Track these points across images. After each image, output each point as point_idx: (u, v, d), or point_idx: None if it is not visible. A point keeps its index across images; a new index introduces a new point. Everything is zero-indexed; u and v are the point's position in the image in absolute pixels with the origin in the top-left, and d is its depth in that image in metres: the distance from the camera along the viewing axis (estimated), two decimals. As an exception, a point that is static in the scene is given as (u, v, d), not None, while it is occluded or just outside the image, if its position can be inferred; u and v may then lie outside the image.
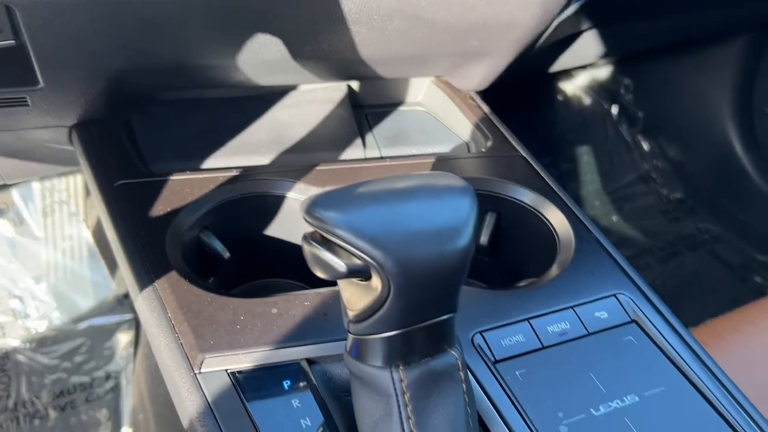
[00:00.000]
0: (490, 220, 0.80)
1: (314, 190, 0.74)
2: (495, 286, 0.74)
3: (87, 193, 1.40)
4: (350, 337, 0.47)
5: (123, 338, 1.36)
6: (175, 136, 0.85)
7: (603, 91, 1.84)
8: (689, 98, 1.70)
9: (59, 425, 1.27)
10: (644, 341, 0.63)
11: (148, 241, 0.67)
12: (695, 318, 0.95)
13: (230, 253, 0.73)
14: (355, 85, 0.96)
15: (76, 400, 1.30)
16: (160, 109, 0.86)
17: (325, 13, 0.74)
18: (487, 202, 0.80)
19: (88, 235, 1.40)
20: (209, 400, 0.54)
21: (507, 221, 0.80)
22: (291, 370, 0.57)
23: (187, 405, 0.55)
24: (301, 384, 0.56)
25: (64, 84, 0.73)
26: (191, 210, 0.72)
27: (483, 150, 0.88)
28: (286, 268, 0.79)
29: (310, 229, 0.45)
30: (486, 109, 0.94)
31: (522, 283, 0.73)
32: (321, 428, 0.53)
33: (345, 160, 0.85)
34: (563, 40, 1.09)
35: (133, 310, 1.38)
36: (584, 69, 1.79)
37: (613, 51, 1.39)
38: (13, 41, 0.65)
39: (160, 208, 0.71)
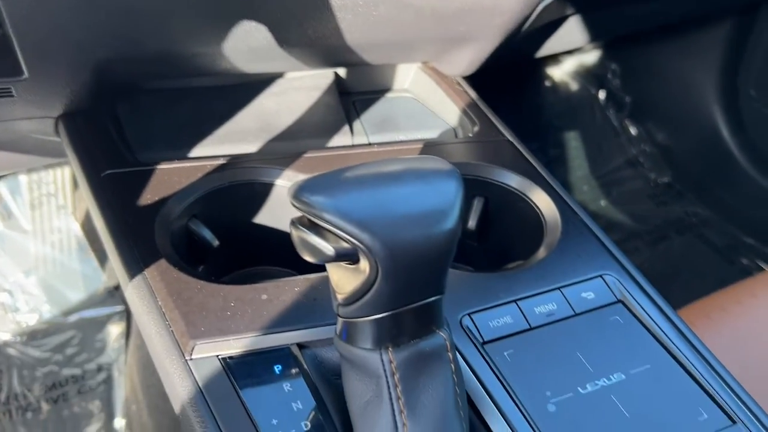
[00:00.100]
0: (477, 204, 0.81)
1: (302, 177, 0.74)
2: (483, 270, 0.74)
3: (75, 185, 1.39)
4: (340, 320, 0.48)
5: (114, 330, 1.36)
6: (162, 125, 0.84)
7: (590, 76, 1.84)
8: (676, 82, 1.71)
9: (52, 417, 1.27)
10: (630, 321, 0.64)
11: (137, 231, 0.67)
12: (684, 300, 0.96)
13: (219, 241, 0.74)
14: (342, 72, 0.96)
15: (69, 393, 1.30)
16: (146, 99, 0.86)
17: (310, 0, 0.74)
18: (474, 186, 0.80)
19: (76, 228, 1.40)
20: (201, 385, 0.54)
21: (494, 205, 0.81)
22: (282, 355, 0.57)
23: (179, 391, 0.55)
24: (292, 368, 0.56)
25: (49, 74, 0.72)
26: (179, 199, 0.72)
27: (470, 135, 0.88)
28: (276, 255, 0.80)
29: (298, 214, 0.45)
30: (473, 94, 0.95)
31: (510, 266, 0.74)
32: (313, 412, 0.54)
33: (333, 147, 0.86)
34: (549, 25, 1.09)
35: (123, 301, 1.38)
36: (571, 54, 1.80)
37: (598, 35, 1.39)
38: (-4, 31, 0.65)
39: (149, 197, 0.71)
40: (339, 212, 0.42)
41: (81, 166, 0.74)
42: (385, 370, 0.46)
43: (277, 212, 0.78)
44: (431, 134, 0.92)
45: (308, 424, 0.53)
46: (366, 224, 0.42)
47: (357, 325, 0.46)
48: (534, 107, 1.83)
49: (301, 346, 0.58)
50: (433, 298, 0.47)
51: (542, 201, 0.76)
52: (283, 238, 0.79)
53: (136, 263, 0.64)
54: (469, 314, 0.62)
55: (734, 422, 0.58)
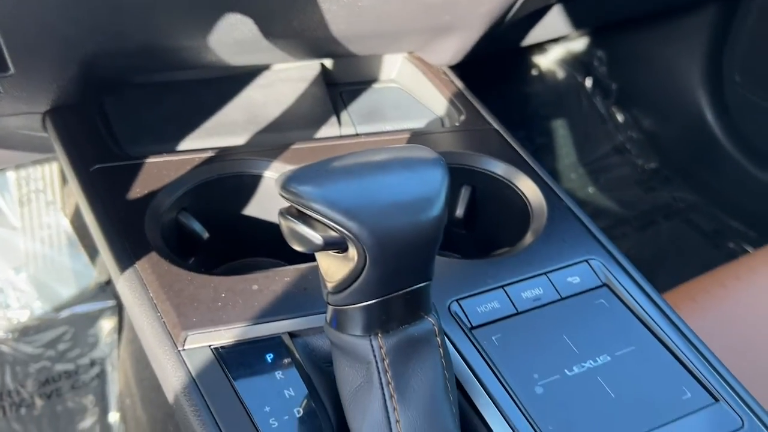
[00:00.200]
0: (465, 193, 0.82)
1: (290, 169, 0.75)
2: (471, 257, 0.75)
3: (63, 181, 1.39)
4: (330, 308, 0.48)
5: (106, 325, 1.36)
6: (150, 118, 0.85)
7: (576, 64, 1.85)
8: (661, 69, 1.72)
9: (46, 413, 1.27)
10: (615, 304, 0.65)
11: (127, 224, 0.67)
12: (672, 284, 0.97)
13: (209, 234, 0.74)
14: (328, 63, 0.96)
15: (62, 388, 1.31)
16: (133, 93, 0.86)
17: (295, -9, 0.74)
18: (461, 175, 0.81)
19: (66, 224, 1.40)
20: (194, 375, 0.55)
21: (481, 194, 0.82)
22: (273, 344, 0.58)
23: (173, 381, 0.56)
24: (284, 356, 0.57)
25: (35, 70, 0.72)
26: (169, 192, 0.72)
27: (456, 124, 0.89)
28: (265, 246, 0.80)
29: (286, 204, 0.46)
30: (459, 83, 0.95)
31: (497, 253, 0.75)
32: (305, 399, 0.55)
33: (320, 138, 0.86)
34: (534, 14, 1.10)
35: (115, 296, 1.38)
36: (557, 42, 1.80)
37: (583, 23, 1.40)
38: (-20, 28, 0.64)
39: (138, 190, 0.71)
40: (327, 201, 0.43)
41: (69, 161, 0.74)
42: (375, 356, 0.47)
43: (265, 204, 0.79)
44: (418, 124, 0.93)
45: (300, 410, 0.54)
46: (353, 213, 0.43)
47: (347, 313, 0.47)
48: (521, 96, 1.83)
49: (292, 334, 0.59)
50: (421, 285, 0.47)
51: (528, 188, 0.77)
52: (273, 229, 0.79)
53: (127, 256, 0.64)
54: (457, 300, 0.63)
55: (717, 400, 0.59)
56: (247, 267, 0.81)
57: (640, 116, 1.81)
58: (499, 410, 0.55)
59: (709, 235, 1.70)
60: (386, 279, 0.45)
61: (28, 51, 0.70)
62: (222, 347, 0.57)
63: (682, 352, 0.62)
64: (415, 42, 0.94)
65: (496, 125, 0.88)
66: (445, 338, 0.52)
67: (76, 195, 0.74)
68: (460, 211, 0.82)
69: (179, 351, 0.57)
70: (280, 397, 0.54)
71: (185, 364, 0.56)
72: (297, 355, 0.58)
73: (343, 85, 0.98)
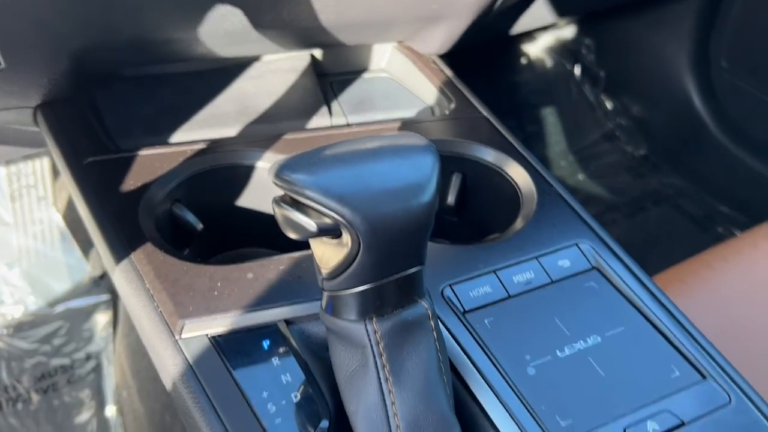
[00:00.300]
0: (456, 180, 0.83)
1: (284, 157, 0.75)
2: (463, 243, 0.76)
3: (54, 175, 1.39)
4: (325, 294, 0.49)
5: (101, 319, 1.37)
6: (141, 111, 0.85)
7: (565, 52, 1.86)
8: (649, 56, 1.73)
9: (43, 407, 1.28)
10: (605, 286, 0.66)
11: (121, 216, 0.68)
12: (661, 268, 0.98)
13: (203, 225, 0.75)
14: (318, 53, 0.97)
15: (58, 382, 1.31)
16: (124, 86, 0.86)
17: (284, -18, 0.74)
18: (452, 163, 0.82)
19: (58, 218, 1.40)
20: (191, 363, 0.56)
21: (472, 181, 0.83)
22: (269, 331, 0.59)
23: (171, 370, 0.57)
24: (280, 343, 0.58)
25: (26, 65, 0.72)
26: (162, 184, 0.73)
27: (446, 113, 0.90)
28: (259, 236, 0.81)
29: (280, 193, 0.46)
30: (448, 72, 0.96)
31: (489, 238, 0.75)
32: (302, 384, 0.56)
33: (312, 129, 0.87)
34: (522, 2, 1.11)
35: (109, 290, 1.38)
36: (545, 31, 1.81)
37: (571, 11, 1.41)
38: (-30, 23, 0.65)
39: (131, 183, 0.72)
40: (320, 189, 0.43)
41: (62, 155, 0.75)
42: (370, 340, 0.48)
43: (258, 194, 0.79)
44: (408, 113, 0.94)
45: (298, 395, 0.55)
46: (347, 199, 0.43)
47: (342, 298, 0.48)
48: (510, 85, 1.84)
49: (287, 321, 0.60)
50: (414, 269, 0.48)
51: (518, 174, 0.78)
52: (266, 219, 0.80)
53: (122, 248, 0.65)
54: (450, 285, 0.64)
55: (704, 377, 0.61)
56: (241, 257, 0.81)
57: (629, 103, 1.82)
58: (492, 391, 0.56)
59: (698, 220, 1.72)
60: (380, 264, 0.46)
61: (19, 45, 0.70)
62: (219, 335, 0.58)
63: (671, 332, 0.63)
64: (404, 31, 0.95)
65: (485, 113, 0.89)
66: (439, 322, 0.53)
67: (69, 188, 0.74)
68: (451, 199, 0.83)
69: (176, 339, 0.57)
70: (277, 382, 0.55)
71: (183, 352, 0.57)
72: (293, 342, 0.58)
73: (333, 75, 0.98)
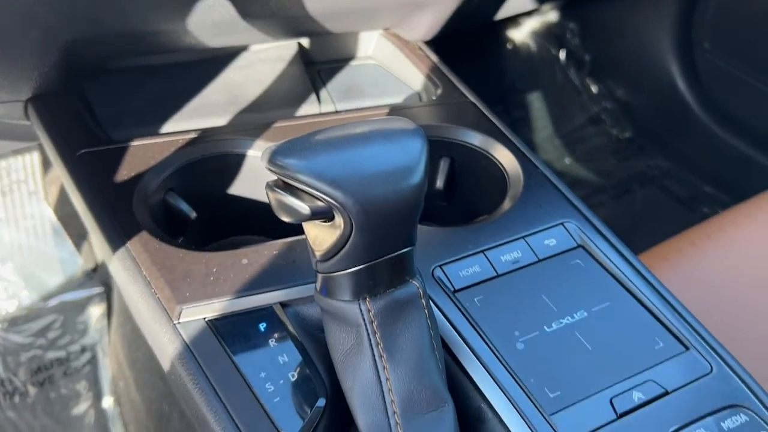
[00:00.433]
0: (444, 165, 0.84)
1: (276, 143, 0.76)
2: (452, 226, 0.78)
3: (45, 170, 1.39)
4: (319, 276, 0.51)
5: (95, 311, 1.38)
6: (132, 102, 0.86)
7: (549, 37, 1.87)
8: (632, 39, 1.74)
9: (40, 400, 1.29)
10: (590, 263, 0.68)
11: (116, 206, 0.69)
12: (648, 248, 1.00)
13: (196, 213, 0.76)
14: (305, 42, 0.98)
15: (54, 375, 1.32)
16: (114, 78, 0.87)
17: (270, -28, 0.75)
18: (440, 147, 0.83)
19: (49, 213, 1.40)
20: (190, 346, 0.57)
21: (460, 164, 0.84)
22: (265, 314, 0.60)
23: (170, 353, 0.58)
24: (276, 325, 0.59)
25: (16, 58, 0.73)
26: (155, 173, 0.74)
27: (434, 98, 0.91)
28: (252, 224, 0.82)
29: (272, 179, 0.47)
30: (434, 58, 0.97)
31: (477, 220, 0.77)
32: (298, 363, 0.57)
33: (301, 116, 0.88)
34: (506, -13, 1.12)
35: (102, 283, 1.39)
36: (530, 16, 1.82)
37: (555, -5, 1.42)
38: (-40, 17, 0.65)
39: (125, 173, 0.73)
40: (312, 173, 0.45)
41: (55, 147, 0.75)
42: (364, 319, 0.49)
43: (250, 182, 0.80)
44: (396, 99, 0.95)
45: (295, 374, 0.56)
46: (338, 183, 0.45)
47: (335, 279, 0.49)
48: (496, 71, 1.85)
49: (283, 304, 0.61)
50: (404, 250, 0.49)
51: (504, 157, 0.80)
52: (258, 206, 0.81)
53: (118, 237, 0.66)
54: (440, 266, 0.65)
55: (687, 348, 0.63)
56: (234, 245, 0.83)
57: (614, 87, 1.83)
58: (483, 366, 0.58)
59: (684, 200, 1.74)
60: (372, 245, 0.47)
61: (9, 39, 0.70)
62: (216, 319, 0.59)
63: (654, 305, 0.65)
64: (390, 18, 0.96)
65: (472, 98, 0.90)
66: (430, 300, 0.54)
67: (63, 180, 0.75)
68: (440, 183, 0.84)
69: (175, 324, 0.59)
70: (274, 363, 0.57)
71: (181, 336, 0.58)
72: (288, 324, 0.60)
73: (320, 63, 0.99)
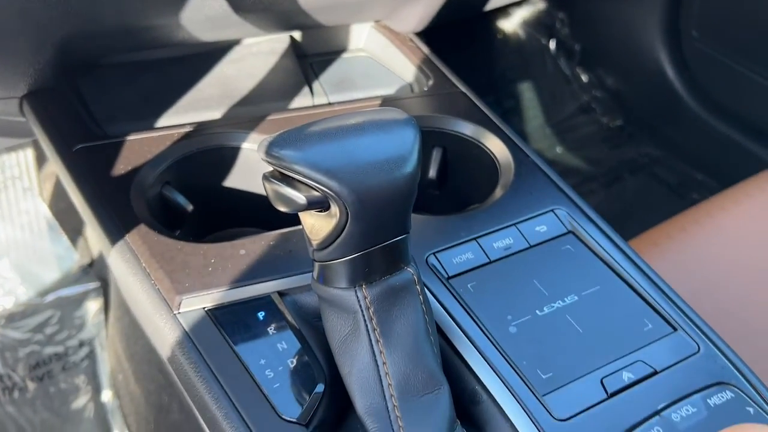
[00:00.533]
0: (436, 155, 0.85)
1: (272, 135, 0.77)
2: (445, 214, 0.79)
3: (39, 166, 1.39)
4: (316, 264, 0.52)
5: (92, 306, 1.38)
6: (126, 98, 0.86)
7: (539, 27, 1.88)
8: (621, 27, 1.75)
9: (39, 395, 1.30)
10: (580, 249, 0.70)
11: (113, 200, 0.70)
12: (639, 235, 1.02)
13: (193, 206, 0.77)
14: (297, 35, 0.98)
15: (53, 370, 1.33)
16: (107, 73, 0.88)
17: (262, -34, 0.76)
18: (432, 137, 0.84)
19: (44, 209, 1.41)
20: (191, 335, 0.58)
21: (452, 154, 0.85)
22: (264, 303, 0.61)
23: (171, 343, 0.59)
24: (275, 313, 0.61)
25: (12, 55, 0.74)
26: (151, 167, 0.75)
27: (425, 89, 0.92)
28: (248, 216, 0.83)
29: (268, 170, 0.49)
30: (425, 49, 0.98)
31: (469, 208, 0.78)
32: (297, 350, 0.59)
33: (295, 109, 0.89)
34: (494, -22, 1.13)
35: (99, 278, 1.40)
36: (519, 6, 1.83)
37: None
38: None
39: (121, 167, 0.74)
40: (308, 163, 0.46)
41: (52, 143, 0.76)
42: (360, 306, 0.51)
43: (245, 174, 0.81)
44: (388, 90, 0.96)
45: (294, 361, 0.58)
46: (334, 172, 0.46)
47: (332, 267, 0.50)
48: (487, 61, 1.86)
49: (281, 293, 0.63)
50: (399, 238, 0.51)
51: (495, 146, 0.81)
52: (254, 198, 0.83)
53: (117, 230, 0.67)
54: (434, 253, 0.67)
55: (675, 329, 0.64)
56: (230, 237, 0.84)
57: (604, 75, 1.84)
58: (477, 349, 0.59)
59: (674, 187, 1.76)
60: (367, 233, 0.48)
61: (4, 37, 0.71)
62: (215, 308, 0.60)
63: (643, 288, 0.67)
64: (381, 11, 0.97)
65: (463, 88, 0.91)
66: (424, 287, 0.56)
67: (60, 176, 0.76)
68: (432, 172, 0.85)
69: (175, 314, 0.60)
70: (273, 350, 0.58)
71: (182, 325, 0.59)
72: (287, 312, 0.61)
73: (312, 56, 1.00)
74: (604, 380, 0.59)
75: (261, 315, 0.60)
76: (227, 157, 0.80)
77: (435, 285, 0.64)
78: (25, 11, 0.69)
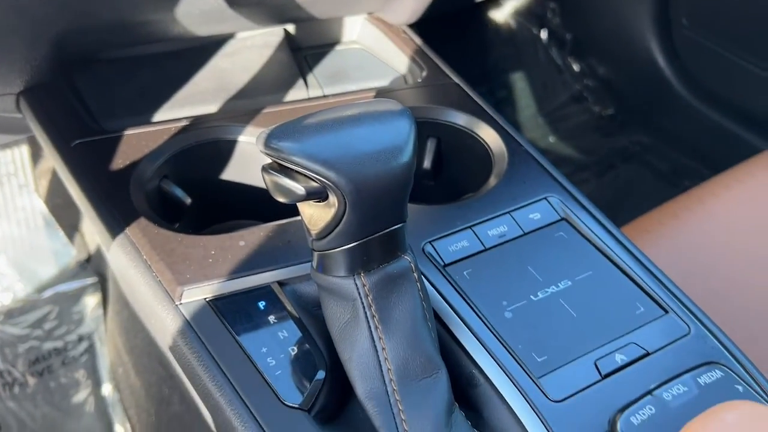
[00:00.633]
0: (431, 145, 0.86)
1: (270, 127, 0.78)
2: (441, 204, 0.80)
3: (34, 162, 1.40)
4: (315, 254, 0.53)
5: (90, 301, 1.39)
6: (122, 93, 0.87)
7: (531, 17, 1.89)
8: (612, 16, 1.76)
9: (39, 390, 1.31)
10: (573, 235, 0.71)
11: (113, 195, 0.71)
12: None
13: (191, 199, 0.78)
14: (291, 28, 0.99)
15: (53, 365, 1.34)
16: (103, 68, 0.88)
17: (255, -40, 0.76)
18: (426, 128, 0.85)
19: (41, 205, 1.41)
20: (193, 325, 0.59)
21: (446, 144, 0.87)
22: (264, 292, 0.62)
23: (173, 333, 0.60)
24: (275, 303, 0.62)
25: (8, 51, 0.74)
26: (149, 161, 0.75)
27: (419, 80, 0.93)
28: (246, 208, 0.84)
29: (267, 160, 0.50)
30: (418, 41, 0.99)
31: (464, 198, 0.80)
32: (298, 338, 0.60)
33: (290, 101, 0.89)
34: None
35: (96, 272, 1.40)
36: (510, -5, 1.84)
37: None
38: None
39: (120, 162, 0.74)
40: (306, 154, 0.47)
41: (49, 139, 0.77)
42: (359, 293, 0.52)
43: (242, 167, 0.82)
44: (382, 82, 0.97)
45: (295, 349, 0.59)
46: (332, 163, 0.47)
47: (331, 256, 0.51)
48: (479, 52, 1.86)
49: (281, 283, 0.64)
50: (396, 226, 0.52)
51: (489, 136, 0.82)
52: (251, 191, 0.83)
53: (117, 224, 0.68)
54: (430, 242, 0.68)
55: (666, 312, 0.66)
56: (229, 229, 0.85)
57: (595, 65, 1.85)
58: (473, 334, 0.61)
59: (666, 174, 1.77)
60: (365, 222, 0.50)
61: (0, 33, 0.71)
62: (216, 298, 0.61)
63: (635, 272, 0.68)
64: (373, 3, 0.97)
65: (456, 79, 0.92)
66: (421, 274, 0.57)
67: (59, 171, 0.76)
68: (427, 163, 0.86)
69: (177, 305, 0.61)
70: (275, 338, 0.59)
71: (184, 316, 0.60)
72: (287, 301, 0.62)
73: (306, 49, 1.01)
74: (597, 362, 0.60)
75: (262, 304, 0.61)
76: (224, 150, 0.81)
77: (432, 273, 0.65)
78: (21, 7, 0.70)
